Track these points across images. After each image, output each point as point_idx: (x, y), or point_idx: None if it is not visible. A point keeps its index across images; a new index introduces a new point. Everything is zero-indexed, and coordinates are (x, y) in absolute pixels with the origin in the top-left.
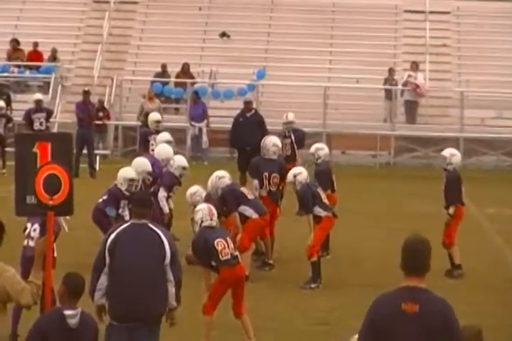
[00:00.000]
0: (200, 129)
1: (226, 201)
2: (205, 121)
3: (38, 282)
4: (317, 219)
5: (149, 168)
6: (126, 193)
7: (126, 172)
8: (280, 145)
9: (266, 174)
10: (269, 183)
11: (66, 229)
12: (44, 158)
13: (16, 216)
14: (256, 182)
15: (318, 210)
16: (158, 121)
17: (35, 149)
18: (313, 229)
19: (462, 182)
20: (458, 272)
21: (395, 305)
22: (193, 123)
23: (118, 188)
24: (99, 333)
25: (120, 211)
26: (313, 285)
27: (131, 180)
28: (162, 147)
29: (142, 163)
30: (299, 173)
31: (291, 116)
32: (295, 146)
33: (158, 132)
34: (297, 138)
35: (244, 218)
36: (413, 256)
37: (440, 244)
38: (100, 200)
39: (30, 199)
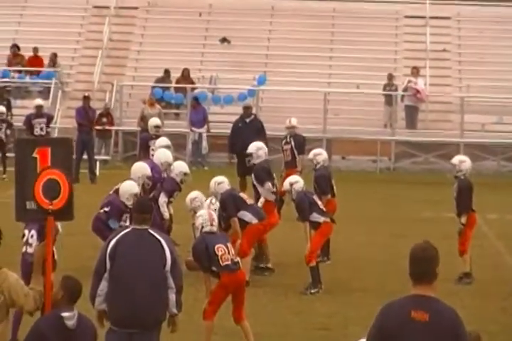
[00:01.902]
0: (200, 135)
1: (225, 206)
2: (206, 127)
3: (39, 288)
4: (315, 224)
5: (148, 172)
6: (130, 207)
7: (131, 187)
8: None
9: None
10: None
11: (60, 230)
12: (44, 163)
13: (16, 221)
14: (269, 184)
15: (316, 216)
16: (157, 126)
17: (35, 154)
18: (311, 235)
19: (473, 190)
20: (466, 281)
21: (404, 313)
22: (193, 128)
23: (121, 201)
24: (98, 338)
25: (122, 223)
26: (313, 291)
27: (137, 195)
28: (161, 151)
29: (141, 167)
30: (296, 182)
31: (294, 121)
32: (295, 152)
33: (158, 137)
34: (297, 144)
35: (244, 223)
36: (420, 264)
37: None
38: (101, 211)
39: (30, 205)
